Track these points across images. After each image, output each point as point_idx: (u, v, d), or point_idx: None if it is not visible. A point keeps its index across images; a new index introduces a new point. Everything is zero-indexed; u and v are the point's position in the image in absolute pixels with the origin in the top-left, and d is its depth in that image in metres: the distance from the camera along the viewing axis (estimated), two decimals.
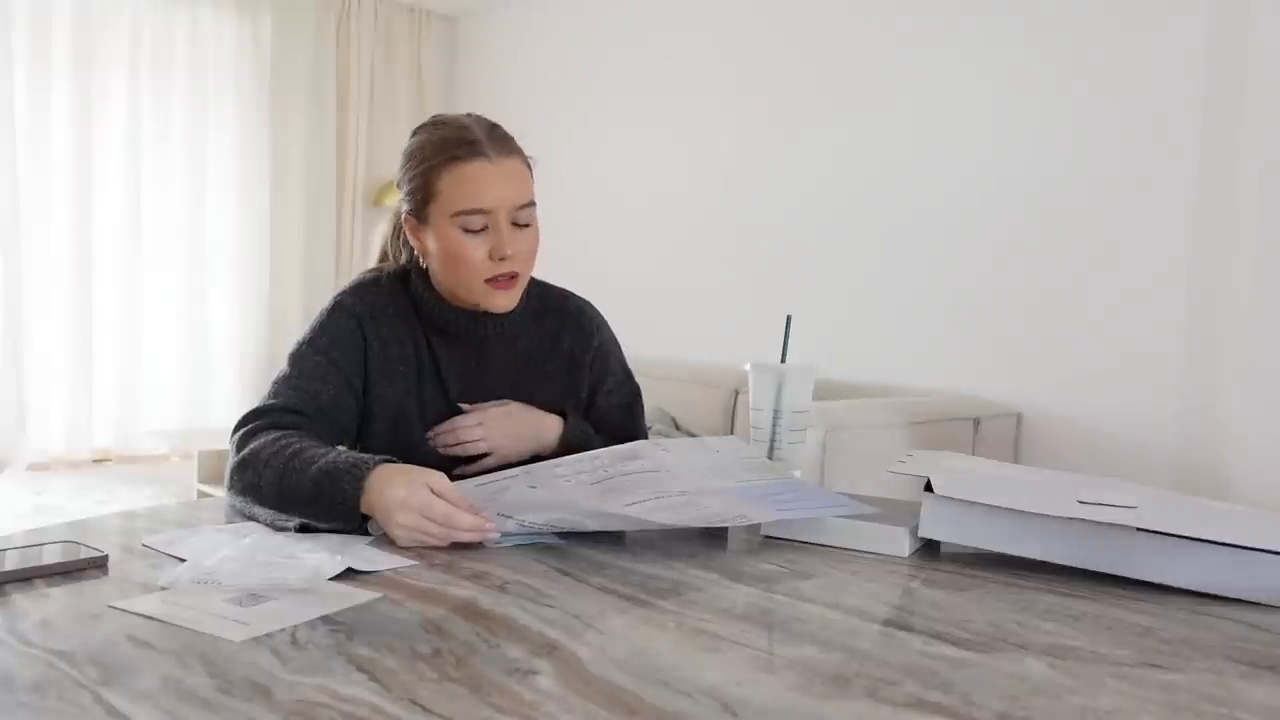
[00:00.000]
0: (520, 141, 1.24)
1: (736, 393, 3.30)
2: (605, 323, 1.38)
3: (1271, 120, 2.47)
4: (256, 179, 4.66)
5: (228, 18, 4.58)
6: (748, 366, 1.17)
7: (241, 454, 1.05)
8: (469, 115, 1.22)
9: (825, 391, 3.09)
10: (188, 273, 4.53)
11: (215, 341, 4.61)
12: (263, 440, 1.05)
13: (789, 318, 1.23)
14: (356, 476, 0.95)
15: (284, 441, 1.04)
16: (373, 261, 1.35)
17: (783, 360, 1.19)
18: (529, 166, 1.22)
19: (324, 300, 1.27)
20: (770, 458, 1.14)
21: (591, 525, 0.94)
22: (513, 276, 1.19)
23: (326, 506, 0.95)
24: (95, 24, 4.20)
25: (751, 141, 3.77)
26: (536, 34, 4.75)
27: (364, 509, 0.94)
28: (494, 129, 1.20)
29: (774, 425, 1.14)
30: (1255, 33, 2.51)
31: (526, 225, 1.20)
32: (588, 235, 4.22)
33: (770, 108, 3.71)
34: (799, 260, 3.59)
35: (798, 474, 1.15)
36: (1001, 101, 3.03)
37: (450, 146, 1.16)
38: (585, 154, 4.37)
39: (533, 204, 1.20)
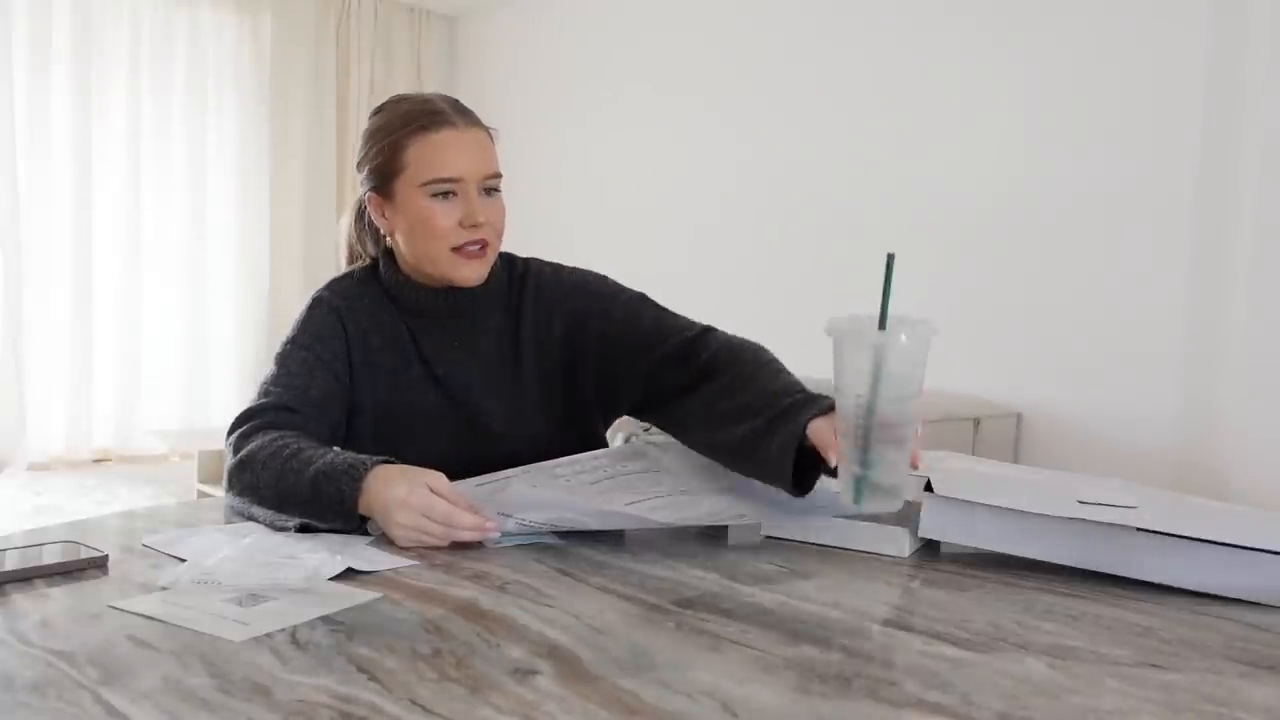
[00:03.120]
0: (519, 140, 1.23)
1: None
2: (570, 279, 1.29)
3: (1271, 121, 2.47)
4: (256, 178, 4.66)
5: (227, 17, 4.58)
6: (830, 326, 0.82)
7: (239, 455, 1.05)
8: (434, 93, 1.23)
9: (825, 391, 3.09)
10: (187, 272, 4.53)
11: (215, 341, 4.61)
12: (260, 441, 1.05)
13: (890, 256, 0.83)
14: (354, 477, 0.94)
15: (281, 442, 1.03)
16: (343, 259, 1.35)
17: (882, 324, 0.80)
18: (493, 139, 1.21)
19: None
20: (862, 480, 0.81)
21: (592, 524, 0.93)
22: (482, 246, 1.17)
23: (325, 507, 0.95)
24: (95, 23, 4.20)
25: (752, 142, 3.77)
26: (536, 34, 4.75)
27: (362, 509, 0.94)
28: (457, 102, 1.20)
29: (867, 423, 0.79)
30: (1255, 35, 2.51)
31: (495, 194, 1.19)
32: (587, 236, 4.22)
33: (770, 109, 3.71)
34: (797, 261, 3.59)
35: (899, 503, 0.84)
36: (1002, 103, 3.03)
37: (416, 118, 1.16)
38: (585, 154, 4.37)
39: (500, 175, 1.19)
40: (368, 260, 1.30)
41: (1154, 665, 0.64)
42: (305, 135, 4.78)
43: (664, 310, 1.25)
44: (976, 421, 2.78)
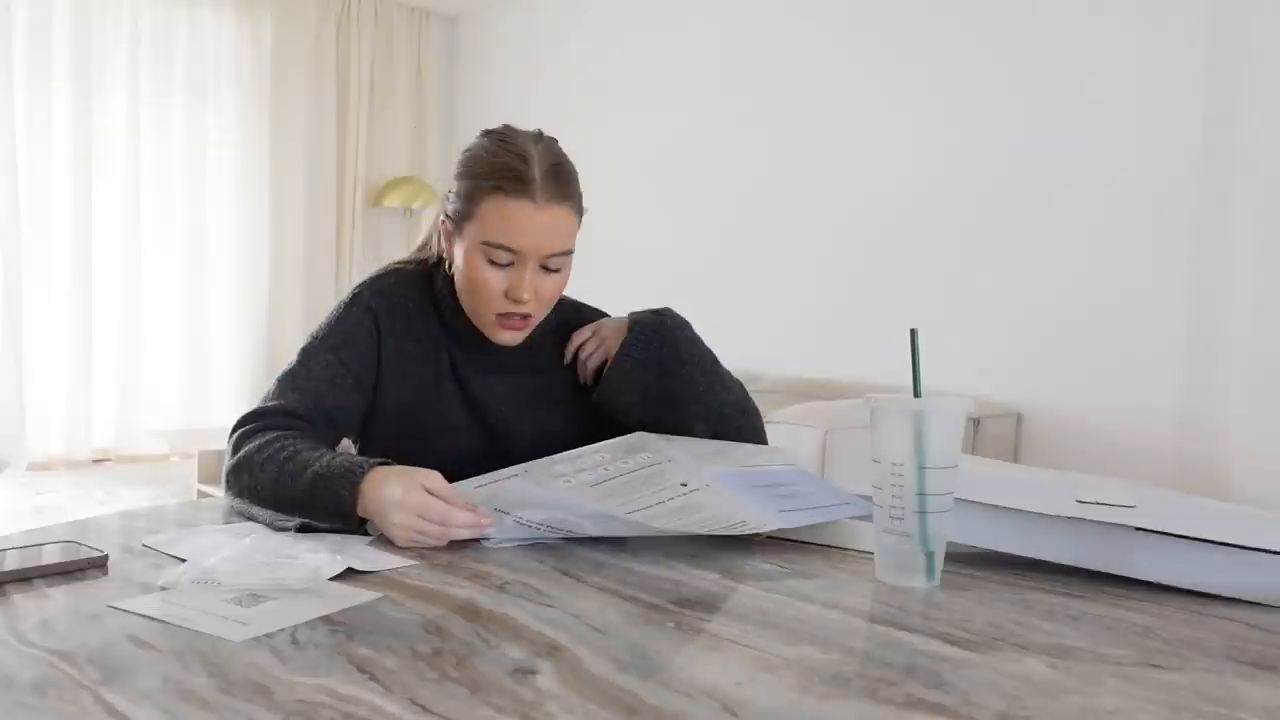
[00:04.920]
0: None
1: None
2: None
3: (1272, 120, 2.47)
4: (256, 179, 4.66)
5: (227, 17, 4.58)
6: (870, 401, 0.84)
7: (237, 457, 1.05)
8: (539, 140, 1.16)
9: (825, 392, 3.09)
10: (188, 273, 4.53)
11: (215, 341, 4.62)
12: (258, 442, 1.04)
13: (914, 332, 0.86)
14: (351, 480, 0.94)
15: (279, 444, 1.03)
16: (418, 242, 1.33)
17: (916, 391, 0.84)
18: (579, 213, 1.17)
19: (325, 300, 1.26)
20: (930, 555, 0.80)
21: (590, 529, 0.93)
22: (525, 318, 1.16)
23: (322, 510, 0.95)
24: (95, 24, 4.20)
25: (749, 142, 3.77)
26: (536, 34, 4.75)
27: (360, 512, 0.94)
28: (557, 168, 1.14)
29: (920, 495, 0.79)
30: (1256, 33, 2.51)
31: (556, 271, 1.16)
32: (587, 235, 4.22)
33: (774, 107, 3.71)
34: (797, 260, 3.59)
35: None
36: (1000, 102, 3.03)
37: (501, 174, 1.11)
38: (585, 154, 4.36)
39: (568, 253, 1.16)
40: (433, 257, 1.28)
41: (1154, 665, 0.64)
42: (305, 136, 4.78)
43: None
44: (976, 421, 2.78)
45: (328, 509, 0.95)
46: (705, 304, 3.88)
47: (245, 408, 1.13)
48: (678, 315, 1.25)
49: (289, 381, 1.15)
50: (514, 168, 1.11)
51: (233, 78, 4.61)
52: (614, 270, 4.16)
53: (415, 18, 5.12)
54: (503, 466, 1.04)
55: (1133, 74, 2.75)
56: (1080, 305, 2.85)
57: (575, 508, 0.92)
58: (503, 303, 1.14)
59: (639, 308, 1.29)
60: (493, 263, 1.13)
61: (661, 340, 1.21)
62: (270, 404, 1.12)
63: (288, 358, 1.20)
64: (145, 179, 4.38)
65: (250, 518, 1.01)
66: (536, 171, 1.11)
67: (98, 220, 4.24)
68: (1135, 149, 2.74)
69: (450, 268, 1.22)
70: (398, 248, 4.84)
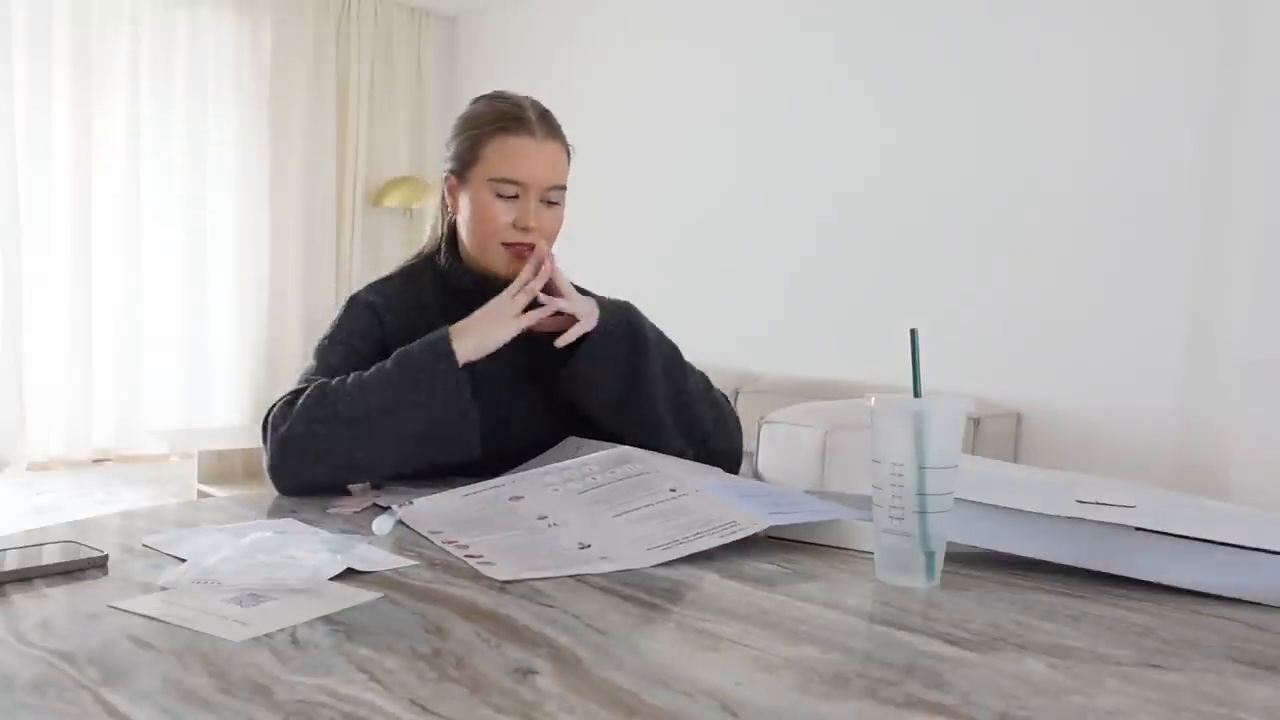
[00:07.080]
0: None
1: (737, 393, 3.30)
2: None
3: (1272, 120, 2.47)
4: (256, 179, 4.66)
5: (228, 18, 4.58)
6: (870, 401, 0.83)
7: (290, 422, 1.09)
8: (527, 97, 1.33)
9: (825, 391, 3.09)
10: (187, 273, 4.53)
11: (215, 342, 4.62)
12: (308, 393, 1.11)
13: (914, 332, 0.86)
14: (438, 335, 1.10)
15: (335, 382, 1.11)
16: (427, 230, 1.43)
17: (916, 391, 0.84)
18: (568, 154, 1.33)
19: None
20: (930, 555, 0.80)
21: (571, 569, 0.84)
22: (531, 247, 1.26)
23: (418, 369, 1.08)
24: (95, 24, 4.20)
25: (750, 142, 3.78)
26: (536, 34, 4.75)
27: (461, 349, 1.11)
28: (546, 114, 1.32)
29: (920, 495, 0.78)
30: (1256, 33, 2.51)
31: (554, 205, 1.29)
32: (584, 236, 4.22)
33: (771, 108, 3.71)
34: (798, 260, 3.59)
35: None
36: (1001, 102, 3.03)
37: (501, 118, 1.27)
38: (585, 154, 4.37)
39: (564, 188, 1.30)
40: (431, 246, 1.38)
41: (1154, 665, 0.64)
42: (305, 135, 4.78)
43: None
44: (976, 421, 2.78)
45: (422, 364, 1.07)
46: (706, 304, 3.89)
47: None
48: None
49: (309, 375, 1.21)
50: (512, 113, 1.28)
51: (233, 78, 4.61)
52: (614, 270, 4.16)
53: (415, 18, 5.12)
54: (502, 444, 1.12)
55: (1133, 74, 2.75)
56: (1080, 305, 2.85)
57: (555, 545, 0.87)
58: (510, 232, 1.26)
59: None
60: (500, 196, 1.25)
61: (628, 320, 1.29)
62: (302, 386, 1.16)
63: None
64: (145, 179, 4.38)
65: (329, 464, 1.07)
66: (531, 114, 1.29)
67: (98, 220, 4.24)
68: (1135, 149, 2.74)
69: (454, 217, 1.32)
70: (397, 248, 4.85)
